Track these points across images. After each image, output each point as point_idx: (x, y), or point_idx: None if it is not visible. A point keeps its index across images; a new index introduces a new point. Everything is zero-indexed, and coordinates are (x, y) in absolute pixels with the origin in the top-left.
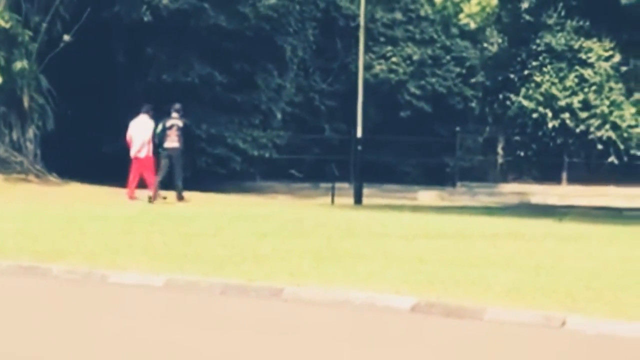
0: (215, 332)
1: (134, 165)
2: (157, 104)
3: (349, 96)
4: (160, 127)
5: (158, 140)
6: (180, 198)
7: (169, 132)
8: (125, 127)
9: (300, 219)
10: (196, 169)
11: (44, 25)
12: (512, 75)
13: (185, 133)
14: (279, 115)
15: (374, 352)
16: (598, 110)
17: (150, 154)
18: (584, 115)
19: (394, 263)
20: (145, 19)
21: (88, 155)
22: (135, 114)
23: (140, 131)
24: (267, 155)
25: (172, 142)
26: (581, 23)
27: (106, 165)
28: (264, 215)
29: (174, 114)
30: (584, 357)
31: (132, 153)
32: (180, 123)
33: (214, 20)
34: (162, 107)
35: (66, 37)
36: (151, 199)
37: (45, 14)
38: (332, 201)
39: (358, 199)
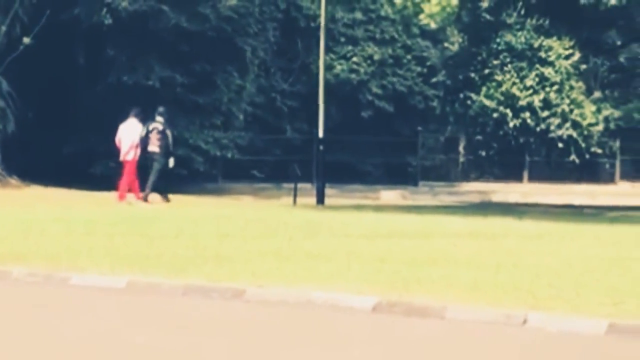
0: (177, 334)
1: (125, 169)
2: (118, 106)
3: (310, 96)
4: (144, 130)
5: (142, 144)
6: (145, 200)
7: (150, 135)
8: (86, 129)
9: (262, 220)
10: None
11: (3, 27)
12: (472, 75)
13: (166, 137)
14: (240, 116)
15: (336, 353)
16: (559, 109)
17: (137, 157)
18: (544, 114)
19: (355, 263)
20: (106, 21)
21: (49, 158)
22: (95, 115)
23: (128, 134)
24: (229, 155)
25: (153, 146)
26: (541, 22)
27: (67, 168)
28: (226, 216)
29: (158, 118)
30: (545, 355)
31: (121, 156)
32: (160, 127)
33: (174, 21)
34: (123, 109)
35: (26, 40)
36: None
37: (4, 17)
38: (295, 202)
39: (320, 199)
